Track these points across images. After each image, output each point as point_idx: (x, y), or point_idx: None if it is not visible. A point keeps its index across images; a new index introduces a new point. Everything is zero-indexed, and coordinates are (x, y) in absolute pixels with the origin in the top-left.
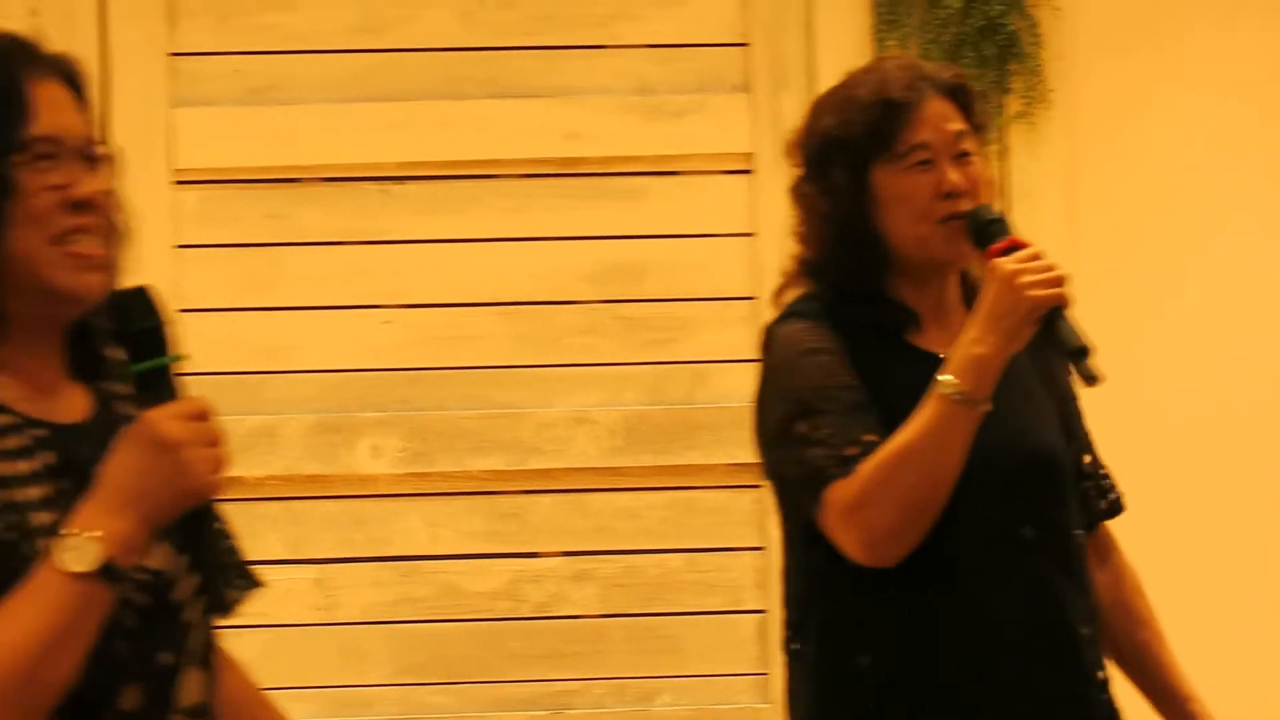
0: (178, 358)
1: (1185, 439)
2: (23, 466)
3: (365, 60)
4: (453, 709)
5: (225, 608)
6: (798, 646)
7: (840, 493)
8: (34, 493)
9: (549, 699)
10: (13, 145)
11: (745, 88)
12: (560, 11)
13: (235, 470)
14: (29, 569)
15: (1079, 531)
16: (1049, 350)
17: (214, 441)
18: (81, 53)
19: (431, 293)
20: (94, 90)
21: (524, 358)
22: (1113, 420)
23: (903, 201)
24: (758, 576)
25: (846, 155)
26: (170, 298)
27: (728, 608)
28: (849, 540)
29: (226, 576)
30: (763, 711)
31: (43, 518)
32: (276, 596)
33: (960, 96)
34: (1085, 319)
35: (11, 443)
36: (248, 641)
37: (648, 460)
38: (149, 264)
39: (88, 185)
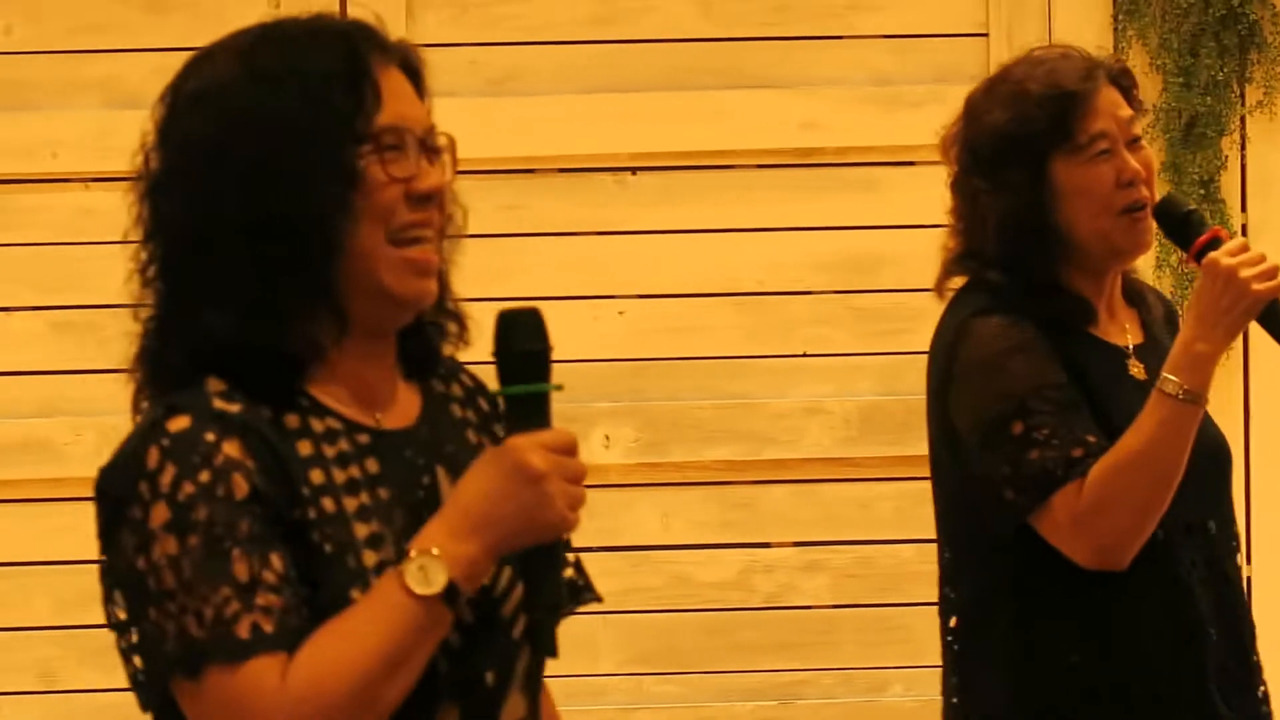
0: (557, 386)
1: None
2: (343, 475)
3: (601, 51)
4: (682, 699)
5: (550, 641)
6: (978, 642)
7: (1070, 498)
8: (353, 503)
9: (778, 689)
10: (361, 135)
11: (984, 78)
12: (797, 2)
13: None
14: (350, 582)
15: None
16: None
17: (577, 478)
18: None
19: (665, 283)
20: None
21: (757, 348)
22: None
23: (1085, 193)
24: None
25: (1025, 150)
26: None
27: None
28: (1080, 545)
29: (559, 609)
30: None
31: (362, 529)
32: None
33: (1124, 81)
34: None
35: (334, 449)
36: None
37: (880, 451)
38: None
39: (430, 178)
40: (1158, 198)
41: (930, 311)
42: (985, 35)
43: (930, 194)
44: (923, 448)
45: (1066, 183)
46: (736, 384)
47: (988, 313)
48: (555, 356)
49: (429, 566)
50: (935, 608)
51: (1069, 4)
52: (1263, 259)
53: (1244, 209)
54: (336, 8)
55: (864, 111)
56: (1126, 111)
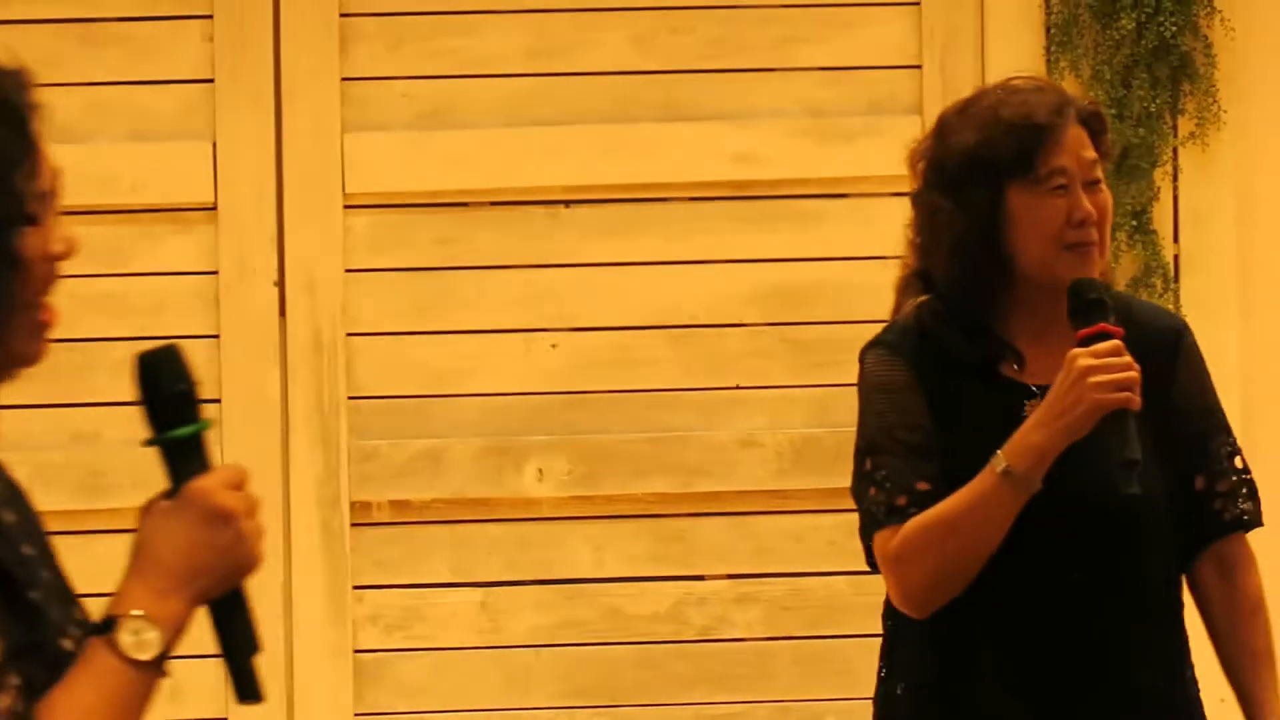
0: (208, 424)
1: None
2: None
3: (536, 84)
4: None
5: (254, 685)
6: (880, 673)
7: (885, 542)
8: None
9: None
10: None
11: (918, 110)
12: (733, 35)
13: (401, 493)
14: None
15: (1170, 565)
16: (1162, 371)
17: (254, 512)
18: (254, 77)
19: (599, 316)
20: (266, 115)
21: (690, 381)
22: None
23: (1035, 224)
24: None
25: (986, 173)
26: (340, 322)
27: None
28: (889, 587)
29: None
30: None
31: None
32: (441, 619)
33: (1094, 124)
34: (1254, 335)
35: None
36: (413, 664)
37: (814, 483)
38: (319, 288)
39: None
40: (1106, 246)
41: (864, 343)
42: (919, 67)
43: (865, 226)
44: None
45: (1020, 211)
46: (670, 417)
47: (876, 344)
48: (488, 389)
49: (142, 631)
50: (872, 639)
51: (1002, 36)
52: (1126, 368)
53: (1176, 240)
54: (270, 42)
55: (798, 144)
56: (1090, 153)
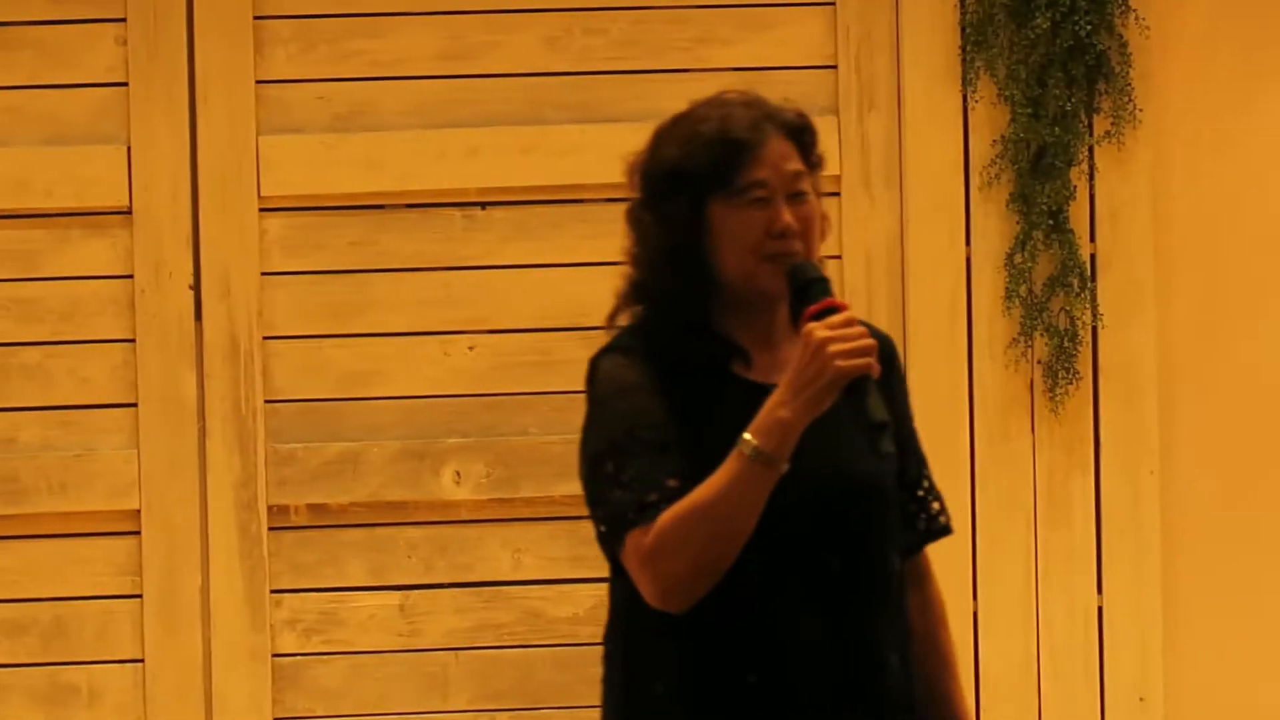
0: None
1: (1273, 449)
2: None
3: (450, 86)
4: None
5: None
6: (605, 673)
7: (638, 540)
8: None
9: None
10: None
11: (833, 110)
12: (647, 36)
13: (319, 497)
14: None
15: (897, 558)
16: (884, 377)
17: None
18: (168, 80)
19: (516, 318)
20: (181, 118)
21: None
22: (1200, 432)
23: (735, 236)
24: None
25: (686, 187)
26: (256, 325)
27: None
28: (645, 587)
29: None
30: None
31: None
32: (359, 623)
33: (802, 136)
34: (1172, 335)
35: None
36: (331, 668)
37: None
38: (235, 291)
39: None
40: (815, 251)
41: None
42: (834, 68)
43: None
44: None
45: (720, 224)
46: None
47: (610, 351)
48: (405, 392)
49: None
50: None
51: (917, 36)
52: (860, 336)
53: (1093, 239)
54: (185, 44)
55: None
56: (794, 166)
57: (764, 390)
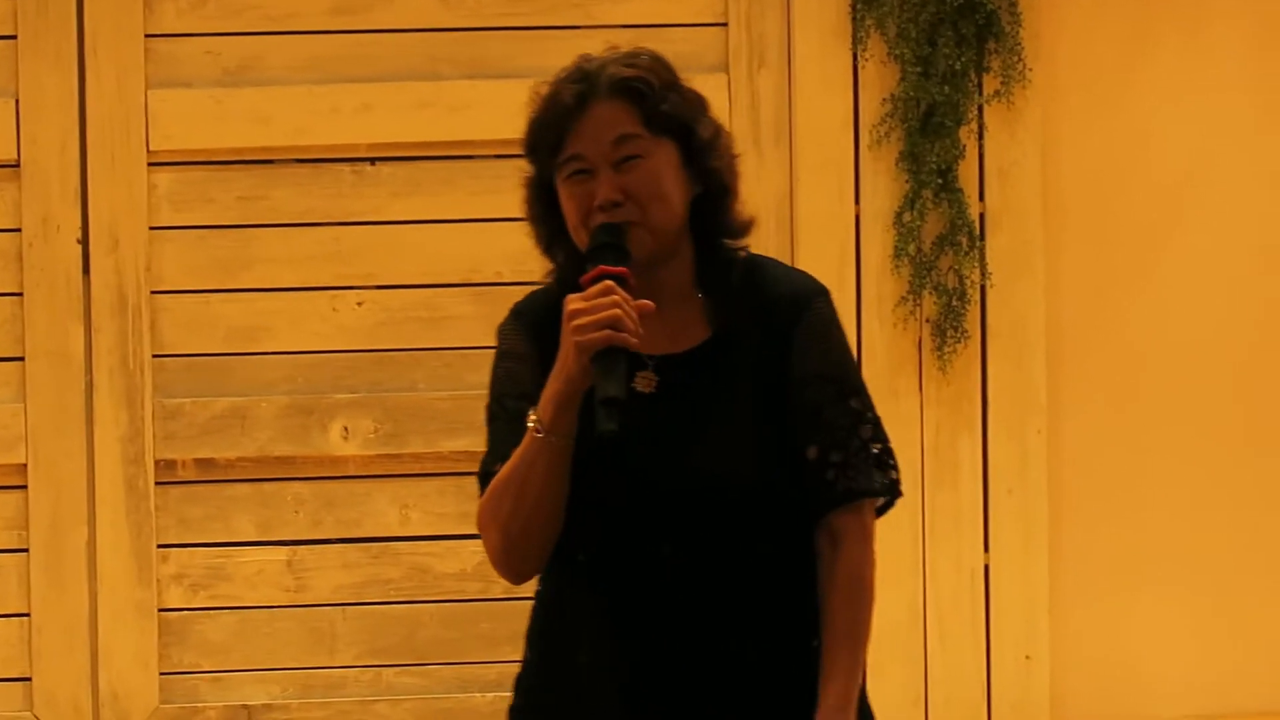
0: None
1: (1160, 410)
2: None
3: (341, 41)
4: (422, 690)
5: None
6: None
7: (478, 509)
8: None
9: None
10: None
11: (724, 68)
12: None
13: (206, 452)
14: None
15: (768, 542)
16: (781, 337)
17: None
18: (57, 34)
19: (404, 274)
20: (69, 71)
21: (495, 339)
22: (1088, 392)
23: (568, 212)
24: None
25: (532, 159)
26: (144, 279)
27: None
28: (487, 555)
29: None
30: None
31: None
32: (247, 578)
33: (633, 95)
34: (1060, 295)
35: None
36: (218, 623)
37: None
38: (123, 245)
39: None
40: (654, 218)
41: None
42: (724, 25)
43: None
44: None
45: (561, 200)
46: (476, 375)
47: (511, 312)
48: (294, 347)
49: None
50: None
51: None
52: (611, 306)
53: (981, 198)
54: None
55: None
56: (620, 130)
57: (641, 363)
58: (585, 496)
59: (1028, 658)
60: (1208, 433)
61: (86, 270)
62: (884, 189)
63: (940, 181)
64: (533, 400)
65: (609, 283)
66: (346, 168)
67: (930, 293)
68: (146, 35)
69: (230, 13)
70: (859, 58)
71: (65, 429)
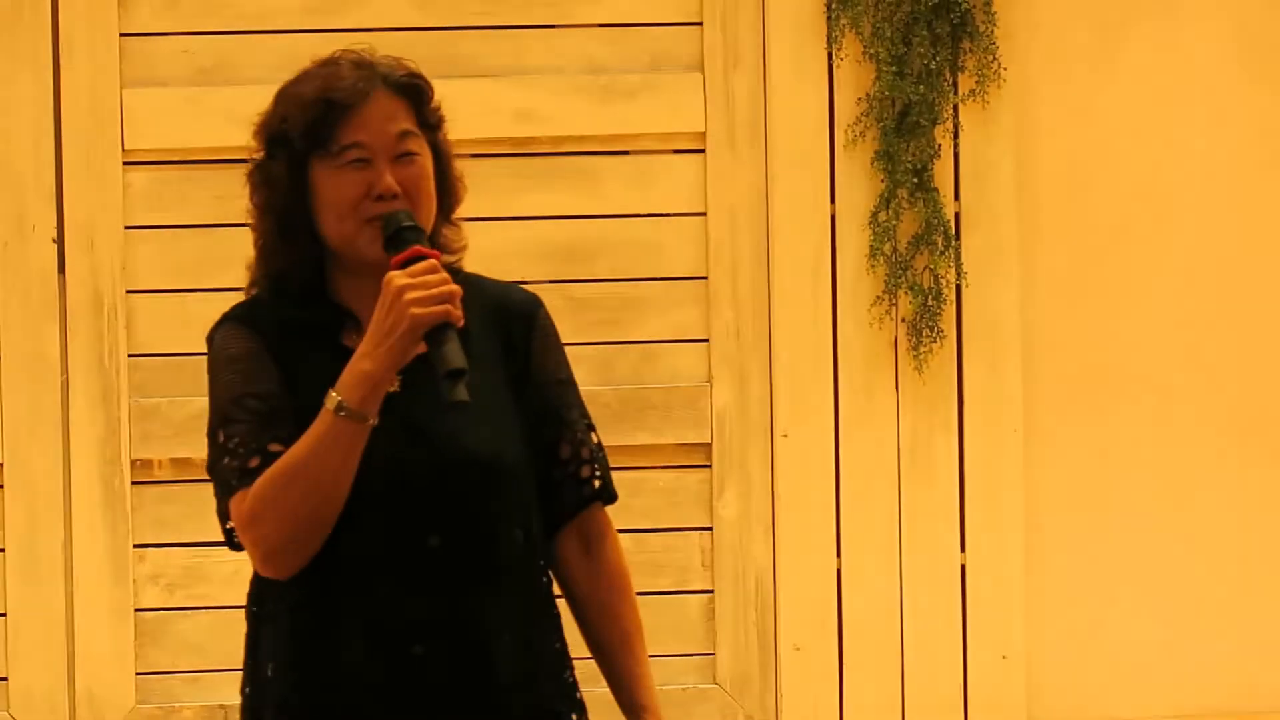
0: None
1: (1135, 409)
2: None
3: (316, 40)
4: None
5: None
6: (246, 660)
7: (239, 506)
8: None
9: None
10: None
11: (699, 67)
12: None
13: (183, 451)
14: None
15: (522, 531)
16: (519, 344)
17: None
18: (33, 33)
19: None
20: (44, 70)
21: None
22: (1063, 391)
23: (334, 199)
24: (704, 556)
25: (287, 148)
26: (120, 279)
27: (675, 588)
28: (249, 553)
29: None
30: (709, 692)
31: None
32: (223, 578)
33: (414, 95)
34: (1035, 293)
35: None
36: (195, 623)
37: None
38: (98, 245)
39: None
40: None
41: (646, 301)
42: (699, 24)
43: (646, 183)
44: (639, 437)
45: (321, 186)
46: None
47: (225, 321)
48: None
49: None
50: (655, 597)
51: None
52: (441, 284)
53: (957, 197)
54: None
55: (579, 101)
56: (400, 126)
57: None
58: (351, 490)
59: (1004, 657)
60: (1184, 432)
61: (62, 269)
62: (859, 188)
63: (915, 181)
64: (278, 397)
65: (434, 261)
66: None
67: (906, 292)
68: (121, 34)
69: (205, 12)
70: (834, 57)
71: (41, 428)
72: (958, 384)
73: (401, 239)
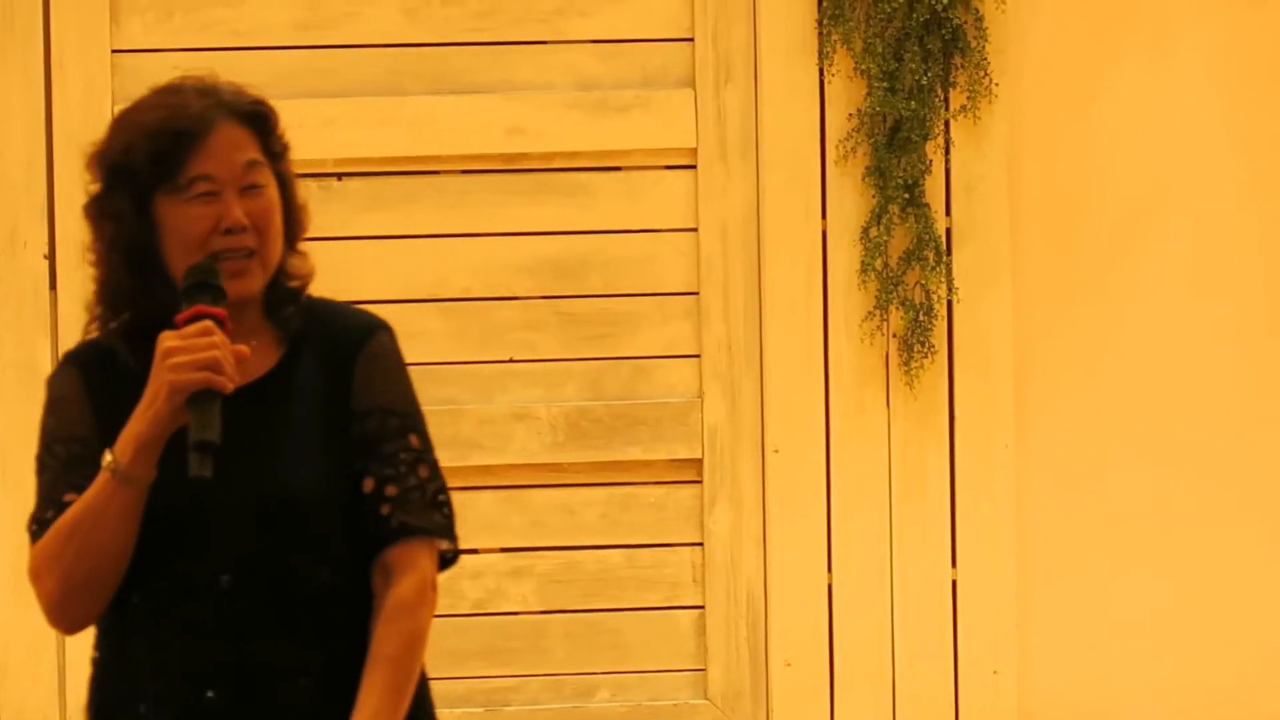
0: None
1: (1127, 423)
2: None
3: (308, 56)
4: None
5: None
6: None
7: (30, 558)
8: None
9: (486, 695)
10: None
11: (690, 83)
12: (504, 7)
13: None
14: None
15: (327, 569)
16: (342, 370)
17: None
18: (24, 49)
19: (371, 289)
20: (36, 86)
21: (464, 354)
22: (1055, 406)
23: (181, 233)
24: (695, 572)
25: (130, 181)
26: None
27: (666, 603)
28: (41, 605)
29: None
30: (700, 707)
31: None
32: None
33: (260, 124)
34: (1027, 309)
35: None
36: None
37: (587, 456)
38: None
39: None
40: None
41: (638, 316)
42: (691, 40)
43: (637, 199)
44: (630, 453)
45: (167, 219)
46: (443, 389)
47: (62, 362)
48: None
49: None
50: (645, 612)
51: (773, 9)
52: (208, 348)
53: (948, 212)
54: (40, 13)
55: (570, 116)
56: (246, 155)
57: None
58: (141, 535)
59: (996, 672)
60: (1176, 447)
61: (53, 285)
62: (850, 204)
63: (907, 196)
64: (84, 444)
65: (209, 323)
66: (314, 183)
67: (897, 307)
68: (113, 50)
69: (197, 28)
70: (825, 73)
71: (33, 444)
72: (949, 399)
73: (189, 296)
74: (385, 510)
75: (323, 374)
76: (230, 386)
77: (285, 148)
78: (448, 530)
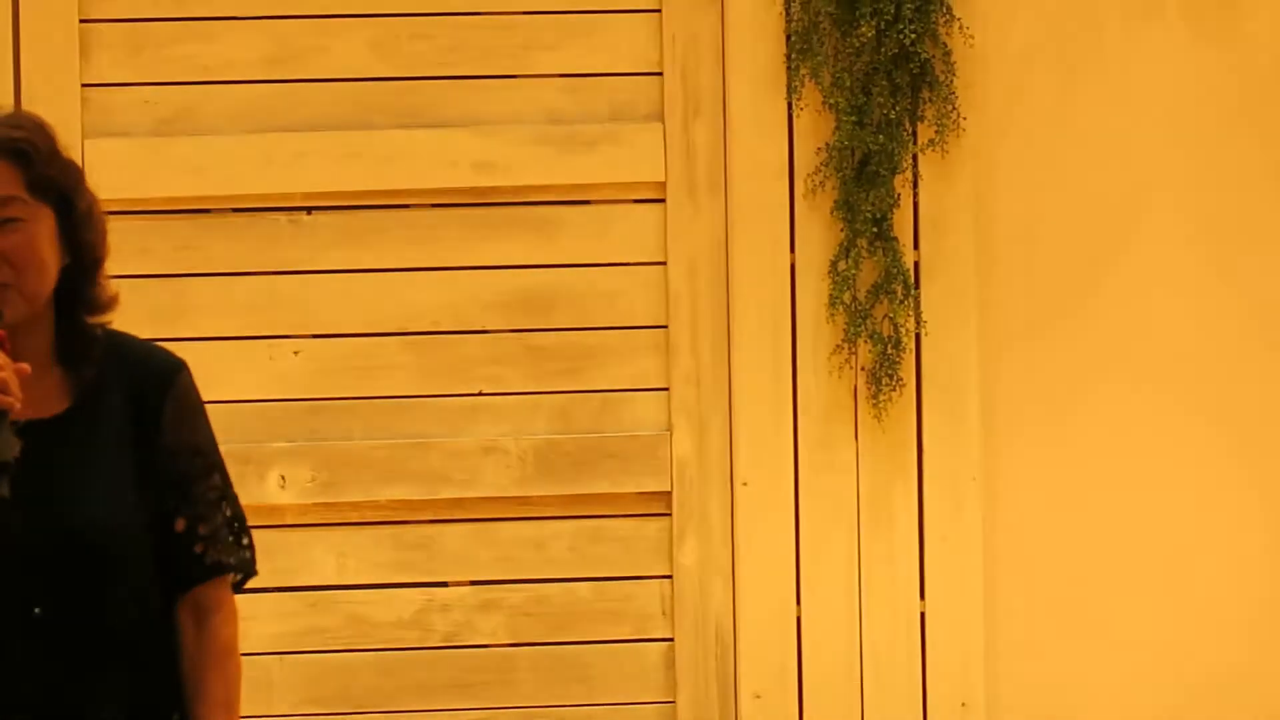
0: None
1: (1095, 457)
2: None
3: (276, 90)
4: None
5: None
6: None
7: None
8: None
9: None
10: None
11: (659, 117)
12: (472, 41)
13: None
14: None
15: (136, 605)
16: (150, 409)
17: None
18: None
19: (340, 323)
20: None
21: (432, 387)
22: (1022, 440)
23: None
24: (664, 604)
25: None
26: None
27: (635, 636)
28: None
29: None
30: None
31: None
32: None
33: (24, 159)
34: (995, 343)
35: None
36: None
37: (556, 489)
38: None
39: None
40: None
41: (606, 350)
42: (659, 74)
43: (606, 233)
44: (599, 486)
45: None
46: (412, 423)
47: None
48: (230, 396)
49: None
50: (615, 645)
51: (743, 43)
52: None
53: (916, 246)
54: (10, 47)
55: (539, 151)
56: (5, 191)
57: (16, 427)
58: None
59: (964, 705)
60: (1143, 480)
61: None
62: (819, 237)
63: (875, 230)
64: None
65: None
66: (283, 217)
67: (865, 341)
68: (83, 84)
69: (166, 62)
70: (794, 107)
71: None
72: (917, 432)
73: None
74: (199, 549)
75: (125, 413)
76: (17, 405)
77: (70, 178)
78: (248, 563)
